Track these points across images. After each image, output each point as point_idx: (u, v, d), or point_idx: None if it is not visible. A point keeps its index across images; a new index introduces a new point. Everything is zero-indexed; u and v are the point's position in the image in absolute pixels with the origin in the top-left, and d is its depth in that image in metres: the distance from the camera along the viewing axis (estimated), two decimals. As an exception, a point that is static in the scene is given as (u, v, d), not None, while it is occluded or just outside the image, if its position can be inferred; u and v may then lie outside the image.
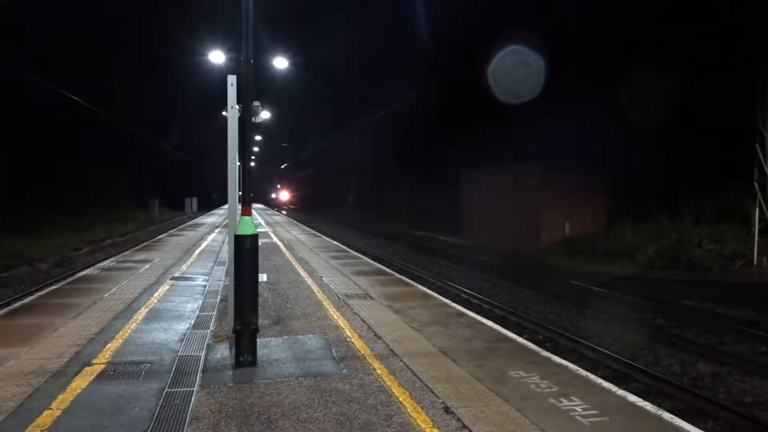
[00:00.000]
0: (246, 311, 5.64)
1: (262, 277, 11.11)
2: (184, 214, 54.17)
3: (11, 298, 11.94)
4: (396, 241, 27.78)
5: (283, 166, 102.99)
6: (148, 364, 5.62)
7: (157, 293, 9.53)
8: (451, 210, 30.93)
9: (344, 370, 5.51)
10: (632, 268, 17.42)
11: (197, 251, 16.38)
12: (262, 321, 6.87)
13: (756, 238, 16.49)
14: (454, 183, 31.02)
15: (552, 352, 6.49)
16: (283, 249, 17.29)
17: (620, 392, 5.03)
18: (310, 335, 6.86)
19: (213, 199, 68.98)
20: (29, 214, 29.23)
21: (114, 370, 5.41)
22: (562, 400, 4.76)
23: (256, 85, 6.23)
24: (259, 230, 6.24)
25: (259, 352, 5.83)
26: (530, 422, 4.29)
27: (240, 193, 6.84)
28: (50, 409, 4.46)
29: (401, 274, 13.22)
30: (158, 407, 4.52)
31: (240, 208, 6.29)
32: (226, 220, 10.54)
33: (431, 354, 6.09)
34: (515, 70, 27.14)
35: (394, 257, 20.87)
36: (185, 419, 4.31)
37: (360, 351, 6.17)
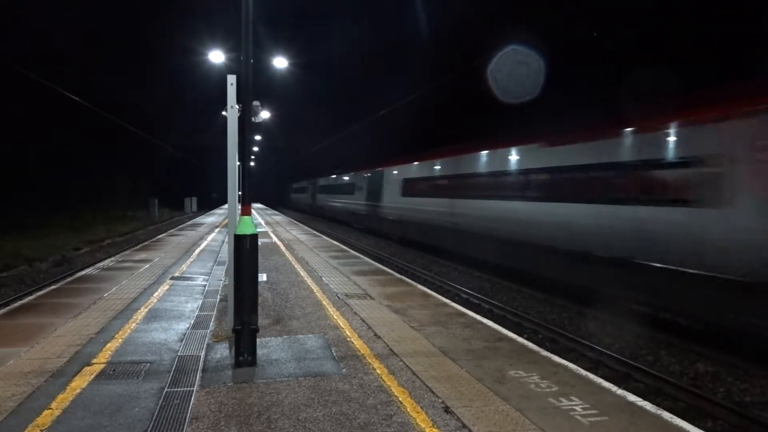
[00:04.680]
0: (246, 311, 5.64)
1: (262, 277, 11.12)
2: (183, 214, 54.19)
3: (11, 297, 11.96)
4: (396, 241, 27.75)
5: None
6: (148, 364, 5.62)
7: (156, 293, 9.53)
8: None
9: (344, 370, 5.51)
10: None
11: (197, 251, 16.37)
12: (262, 321, 6.87)
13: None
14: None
15: (551, 352, 6.49)
16: (283, 249, 17.29)
17: (620, 392, 5.04)
18: (310, 335, 6.86)
19: (212, 198, 68.99)
20: (29, 213, 29.26)
21: (114, 370, 5.41)
22: (562, 399, 4.77)
23: (256, 84, 6.22)
24: (258, 230, 6.23)
25: (259, 351, 5.83)
26: (530, 422, 4.30)
27: (240, 192, 6.84)
28: (50, 408, 4.46)
29: (401, 274, 13.22)
30: (158, 407, 4.52)
31: (240, 207, 6.29)
32: (226, 220, 10.56)
33: (431, 354, 6.09)
34: (515, 69, 27.16)
35: (394, 257, 20.87)
36: (185, 419, 4.31)
37: (360, 351, 6.18)
